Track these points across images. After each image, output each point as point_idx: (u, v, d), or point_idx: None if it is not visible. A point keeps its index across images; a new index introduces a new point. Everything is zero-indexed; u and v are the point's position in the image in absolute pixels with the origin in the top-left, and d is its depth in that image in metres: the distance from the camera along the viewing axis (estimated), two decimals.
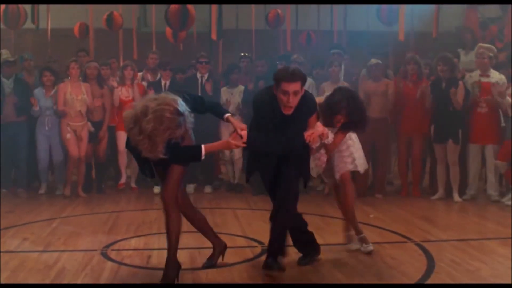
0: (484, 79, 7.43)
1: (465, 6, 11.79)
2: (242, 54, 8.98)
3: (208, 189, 8.11)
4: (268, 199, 4.56)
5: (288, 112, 4.14)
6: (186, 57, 10.39)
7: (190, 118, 3.87)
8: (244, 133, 4.10)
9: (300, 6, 12.37)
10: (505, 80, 7.39)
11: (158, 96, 3.85)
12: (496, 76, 7.42)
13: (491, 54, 7.46)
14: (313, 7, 12.31)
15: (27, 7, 10.37)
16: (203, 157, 4.02)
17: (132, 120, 3.78)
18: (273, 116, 4.18)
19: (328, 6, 11.79)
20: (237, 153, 8.03)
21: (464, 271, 4.42)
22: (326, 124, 4.52)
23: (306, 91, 4.29)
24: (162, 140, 3.73)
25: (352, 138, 5.00)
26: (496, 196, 7.39)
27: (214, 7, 8.34)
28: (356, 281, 4.27)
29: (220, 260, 4.60)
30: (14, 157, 7.77)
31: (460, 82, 7.42)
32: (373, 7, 10.33)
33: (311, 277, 4.36)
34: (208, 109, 4.29)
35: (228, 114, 4.27)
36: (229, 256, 4.69)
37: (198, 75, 8.11)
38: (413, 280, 4.22)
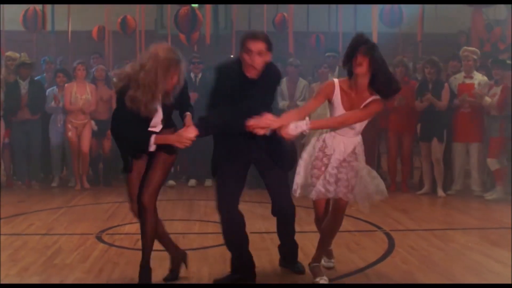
0: (468, 81, 7.82)
1: (471, 9, 12.06)
2: None
3: (208, 182, 8.62)
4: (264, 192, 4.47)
5: (252, 74, 3.99)
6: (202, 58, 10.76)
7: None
8: (192, 128, 3.91)
9: (311, 8, 12.80)
10: (487, 81, 7.77)
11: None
12: (479, 77, 7.81)
13: (475, 57, 7.87)
14: (324, 9, 12.72)
15: (48, 10, 11.03)
16: (150, 149, 3.87)
17: (125, 78, 3.76)
18: (235, 81, 4.00)
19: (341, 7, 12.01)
20: None
21: (418, 256, 4.86)
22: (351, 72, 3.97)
23: (272, 63, 4.13)
24: (162, 88, 3.75)
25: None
26: (479, 191, 7.78)
27: (208, 12, 8.79)
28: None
29: (184, 268, 4.36)
30: (29, 152, 8.38)
31: (445, 84, 7.82)
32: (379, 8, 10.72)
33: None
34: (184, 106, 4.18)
35: (188, 113, 4.12)
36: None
37: (192, 75, 8.64)
38: (366, 261, 4.68)
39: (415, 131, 8.06)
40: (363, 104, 3.97)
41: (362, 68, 3.87)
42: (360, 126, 4.07)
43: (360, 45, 3.87)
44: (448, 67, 8.14)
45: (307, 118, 3.87)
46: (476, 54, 7.91)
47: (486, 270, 4.53)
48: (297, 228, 5.63)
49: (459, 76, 7.95)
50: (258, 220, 6.28)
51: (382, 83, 3.91)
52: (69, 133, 8.23)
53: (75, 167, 8.33)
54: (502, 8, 12.27)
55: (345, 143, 4.06)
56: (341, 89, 4.01)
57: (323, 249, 4.34)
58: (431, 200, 7.64)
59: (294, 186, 4.15)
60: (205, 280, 4.27)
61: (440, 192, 7.83)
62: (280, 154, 4.16)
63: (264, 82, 4.05)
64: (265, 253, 4.99)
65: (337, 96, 4.00)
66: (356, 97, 3.99)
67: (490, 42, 11.62)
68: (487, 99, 7.47)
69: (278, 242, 5.06)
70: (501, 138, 7.47)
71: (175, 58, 3.81)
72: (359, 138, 4.14)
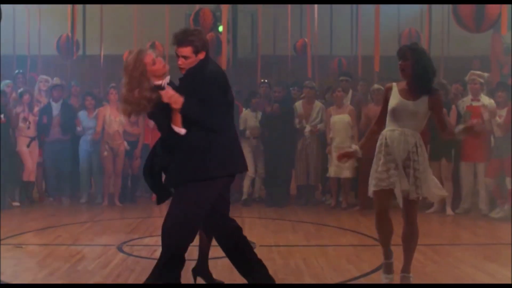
0: (475, 103, 8.15)
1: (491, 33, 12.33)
2: (262, 80, 9.97)
3: None
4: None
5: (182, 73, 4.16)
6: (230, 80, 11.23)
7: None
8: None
9: (334, 32, 13.23)
10: (494, 104, 8.09)
11: None
12: (486, 100, 8.13)
13: (481, 80, 8.20)
14: (347, 32, 13.12)
15: (79, 36, 11.71)
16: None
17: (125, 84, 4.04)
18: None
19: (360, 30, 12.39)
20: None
21: (412, 267, 5.18)
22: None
23: (214, 65, 4.18)
24: (147, 79, 3.96)
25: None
26: (485, 210, 8.06)
27: (224, 40, 9.25)
28: (318, 272, 5.11)
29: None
30: (59, 170, 8.96)
31: (453, 106, 8.17)
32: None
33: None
34: None
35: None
36: None
37: None
38: (362, 272, 5.05)
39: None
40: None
41: (404, 72, 4.52)
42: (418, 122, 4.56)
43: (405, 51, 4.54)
44: (452, 90, 8.46)
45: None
46: (482, 77, 8.24)
47: (472, 281, 4.86)
48: (303, 242, 6.12)
49: (466, 99, 8.29)
50: (270, 234, 6.70)
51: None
52: (105, 153, 8.76)
53: (106, 185, 8.88)
54: None
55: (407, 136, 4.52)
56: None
57: (408, 258, 4.69)
58: (439, 218, 7.94)
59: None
60: None
61: (449, 211, 8.13)
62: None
63: (184, 83, 4.14)
64: (271, 263, 5.37)
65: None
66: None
67: (508, 64, 11.90)
68: (498, 119, 7.77)
69: (285, 255, 5.49)
70: (499, 159, 7.76)
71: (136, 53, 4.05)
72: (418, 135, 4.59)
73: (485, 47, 12.69)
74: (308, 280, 4.84)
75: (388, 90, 4.68)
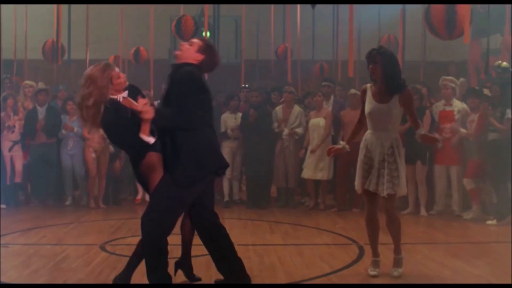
0: (447, 108, 8.46)
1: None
2: (243, 85, 10.23)
3: None
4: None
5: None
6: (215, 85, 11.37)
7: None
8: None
9: (317, 37, 13.48)
10: (467, 108, 8.39)
11: None
12: (458, 105, 8.44)
13: (453, 85, 8.52)
14: (329, 38, 13.37)
15: (65, 41, 11.88)
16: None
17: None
18: None
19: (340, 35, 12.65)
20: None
21: (380, 264, 5.44)
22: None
23: (191, 67, 4.32)
24: (107, 92, 4.23)
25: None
26: (458, 211, 8.36)
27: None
28: (291, 270, 5.36)
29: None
30: (45, 173, 9.15)
31: (427, 111, 8.46)
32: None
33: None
34: None
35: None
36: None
37: None
38: (333, 268, 5.31)
39: None
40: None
41: (375, 75, 4.95)
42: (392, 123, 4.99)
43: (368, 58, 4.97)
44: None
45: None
46: (454, 82, 8.56)
47: (435, 276, 5.14)
48: (280, 241, 6.37)
49: (439, 104, 8.59)
50: (248, 234, 6.95)
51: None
52: (92, 155, 8.96)
53: (91, 187, 9.07)
54: (498, 38, 12.89)
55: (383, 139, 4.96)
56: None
57: (396, 242, 5.20)
58: (414, 219, 8.22)
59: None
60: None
61: (423, 212, 8.43)
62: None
63: (170, 83, 4.35)
64: (246, 261, 5.60)
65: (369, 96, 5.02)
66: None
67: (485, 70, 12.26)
68: (463, 130, 8.10)
69: (261, 253, 5.73)
70: (478, 160, 8.06)
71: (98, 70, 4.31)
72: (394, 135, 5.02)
73: (465, 52, 13.09)
74: (281, 277, 5.09)
75: (364, 92, 5.08)
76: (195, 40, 4.50)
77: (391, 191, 4.97)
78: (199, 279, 4.88)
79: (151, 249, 4.33)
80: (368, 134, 5.08)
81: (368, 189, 5.03)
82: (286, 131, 9.12)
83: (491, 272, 5.24)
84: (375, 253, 5.20)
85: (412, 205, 8.58)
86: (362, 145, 5.10)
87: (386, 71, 4.89)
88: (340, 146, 5.23)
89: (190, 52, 4.42)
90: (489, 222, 7.69)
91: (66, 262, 5.55)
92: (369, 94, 5.04)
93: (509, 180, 7.86)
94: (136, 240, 6.17)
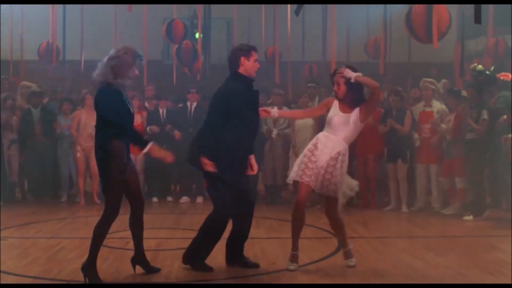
0: (427, 109, 8.82)
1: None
2: None
3: (199, 199, 9.66)
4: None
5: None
6: (206, 86, 11.21)
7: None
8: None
9: (307, 38, 13.80)
10: (446, 109, 8.76)
11: None
12: (437, 106, 8.81)
13: (433, 87, 8.89)
14: (319, 39, 13.68)
15: (60, 41, 12.18)
16: (144, 150, 4.94)
17: None
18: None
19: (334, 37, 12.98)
20: None
21: (357, 256, 5.74)
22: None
23: (230, 83, 5.22)
24: None
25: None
26: (438, 208, 8.73)
27: (200, 47, 9.83)
28: (272, 260, 5.70)
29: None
30: (41, 171, 9.49)
31: (408, 111, 8.83)
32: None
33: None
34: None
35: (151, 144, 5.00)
36: None
37: (188, 103, 9.74)
38: (311, 259, 5.66)
39: (383, 153, 9.06)
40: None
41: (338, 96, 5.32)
42: (349, 132, 5.25)
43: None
44: (411, 94, 9.15)
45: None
46: (434, 84, 8.93)
47: (408, 267, 5.49)
48: (264, 235, 6.71)
49: (419, 105, 8.96)
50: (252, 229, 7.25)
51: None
52: (78, 154, 9.32)
53: (80, 184, 9.41)
54: (483, 40, 13.26)
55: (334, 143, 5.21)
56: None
57: (342, 239, 5.55)
58: (395, 215, 8.60)
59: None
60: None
61: (404, 208, 8.80)
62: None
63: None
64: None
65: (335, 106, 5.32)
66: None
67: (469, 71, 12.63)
68: (443, 125, 8.46)
69: (245, 246, 6.06)
70: (453, 159, 8.43)
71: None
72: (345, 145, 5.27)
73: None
74: (263, 265, 5.45)
75: (330, 102, 5.40)
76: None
77: (331, 193, 5.29)
78: (158, 270, 5.24)
79: None
80: (322, 136, 5.31)
81: (315, 188, 5.28)
82: (275, 132, 9.47)
83: (459, 264, 5.60)
84: (296, 247, 5.48)
85: (394, 202, 8.95)
86: (314, 140, 5.33)
87: (349, 90, 5.21)
88: (272, 110, 5.56)
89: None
90: (466, 217, 8.06)
91: (62, 254, 5.90)
92: (335, 103, 5.33)
93: (485, 178, 8.25)
94: (127, 233, 6.55)
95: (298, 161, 5.32)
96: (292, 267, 5.34)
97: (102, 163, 4.87)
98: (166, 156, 5.10)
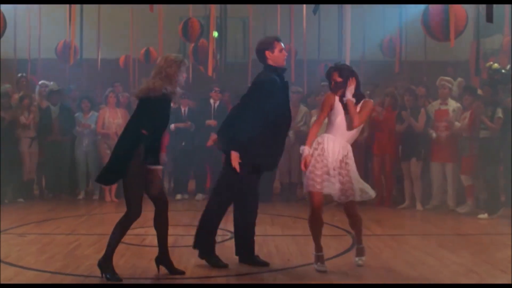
0: (443, 107, 8.82)
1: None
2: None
3: (199, 196, 9.75)
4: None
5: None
6: (220, 85, 11.17)
7: None
8: None
9: (322, 36, 13.81)
10: (461, 107, 8.75)
11: None
12: (453, 104, 8.81)
13: (450, 85, 8.88)
14: (334, 37, 13.69)
15: (77, 40, 12.30)
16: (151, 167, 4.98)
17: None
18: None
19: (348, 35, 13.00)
20: None
21: (370, 253, 5.82)
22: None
23: (265, 74, 5.37)
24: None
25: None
26: (453, 206, 8.73)
27: (211, 47, 9.91)
28: (286, 257, 5.77)
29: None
30: (59, 169, 9.63)
31: (422, 109, 8.84)
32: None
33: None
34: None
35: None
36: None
37: (211, 101, 9.83)
38: (327, 256, 5.69)
39: (397, 152, 9.08)
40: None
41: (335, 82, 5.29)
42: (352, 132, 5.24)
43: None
44: (417, 92, 9.13)
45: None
46: (451, 82, 8.93)
47: (420, 264, 5.52)
48: (279, 232, 6.77)
49: (435, 103, 8.96)
50: (266, 226, 7.38)
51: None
52: (105, 152, 9.37)
53: None
54: (499, 38, 13.18)
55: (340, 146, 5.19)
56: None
57: (358, 235, 5.54)
58: (409, 213, 8.61)
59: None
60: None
61: (419, 206, 8.81)
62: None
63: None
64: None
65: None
66: None
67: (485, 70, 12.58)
68: (457, 123, 8.46)
69: (260, 242, 6.12)
70: (472, 157, 8.42)
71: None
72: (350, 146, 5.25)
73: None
74: (277, 262, 5.52)
75: (332, 98, 5.30)
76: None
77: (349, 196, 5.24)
78: (183, 272, 5.20)
79: None
80: (326, 138, 5.26)
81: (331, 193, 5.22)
82: (291, 131, 9.52)
83: (472, 261, 5.61)
84: (319, 248, 5.38)
85: (408, 200, 8.96)
86: (320, 146, 5.24)
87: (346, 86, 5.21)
88: (306, 154, 5.19)
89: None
90: (481, 216, 8.06)
91: (79, 250, 6.01)
92: (337, 102, 5.25)
93: (500, 176, 8.24)
94: (143, 230, 6.68)
95: (307, 172, 5.18)
96: (323, 268, 5.26)
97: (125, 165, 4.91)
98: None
